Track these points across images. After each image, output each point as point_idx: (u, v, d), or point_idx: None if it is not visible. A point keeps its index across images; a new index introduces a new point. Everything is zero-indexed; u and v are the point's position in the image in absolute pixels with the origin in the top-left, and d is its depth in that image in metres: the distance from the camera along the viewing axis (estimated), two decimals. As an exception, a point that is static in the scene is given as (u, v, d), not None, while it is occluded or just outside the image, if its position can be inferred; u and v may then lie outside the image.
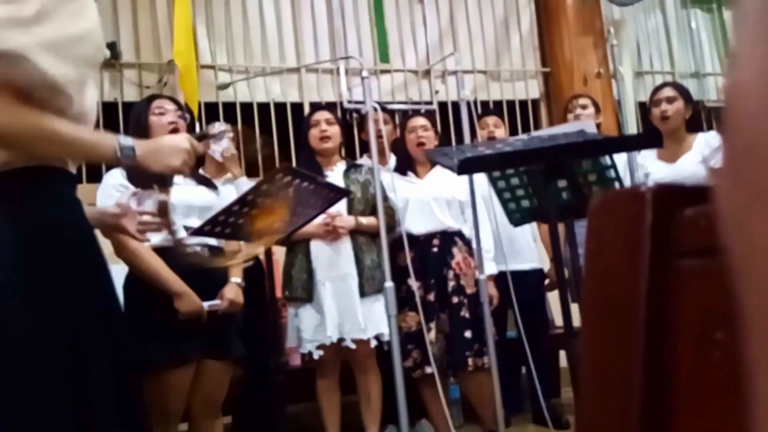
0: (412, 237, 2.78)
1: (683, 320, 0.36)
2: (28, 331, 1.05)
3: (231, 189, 2.69)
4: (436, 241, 2.79)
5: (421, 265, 2.74)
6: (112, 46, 3.71)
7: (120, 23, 3.84)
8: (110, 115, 3.66)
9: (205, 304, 2.08)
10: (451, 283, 2.74)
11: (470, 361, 2.63)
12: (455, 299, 2.72)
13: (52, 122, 1.06)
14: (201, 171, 2.90)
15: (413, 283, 2.69)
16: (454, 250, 2.79)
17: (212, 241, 2.20)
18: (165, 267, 2.04)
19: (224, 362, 2.17)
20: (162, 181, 1.33)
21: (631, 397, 0.35)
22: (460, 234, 2.81)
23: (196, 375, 2.07)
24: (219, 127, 2.49)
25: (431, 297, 2.72)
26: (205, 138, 1.39)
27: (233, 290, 2.17)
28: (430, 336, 2.66)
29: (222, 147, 2.85)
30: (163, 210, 1.40)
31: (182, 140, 1.28)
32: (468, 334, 2.64)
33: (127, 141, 1.16)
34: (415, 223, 2.80)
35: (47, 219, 1.12)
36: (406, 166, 2.94)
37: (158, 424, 2.04)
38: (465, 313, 2.68)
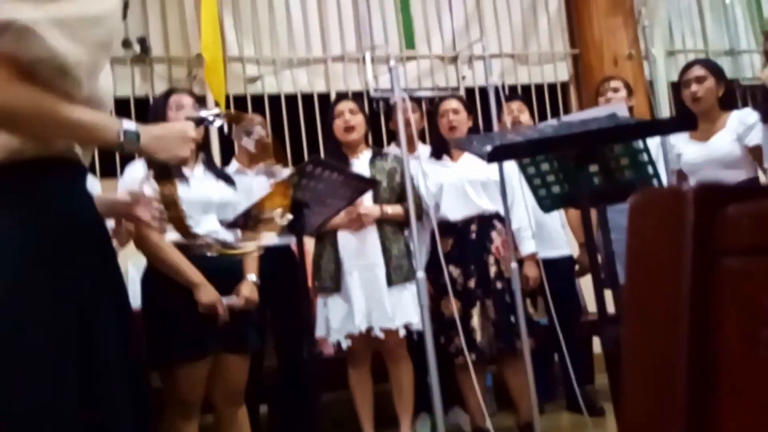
0: (449, 224, 2.78)
1: (728, 319, 0.35)
2: (36, 326, 1.03)
3: (263, 179, 2.72)
4: (473, 227, 2.77)
5: (460, 252, 2.74)
6: (142, 42, 3.76)
7: (149, 18, 3.89)
8: (142, 112, 3.72)
9: (223, 300, 2.11)
10: (493, 269, 2.73)
11: (517, 345, 2.61)
12: (498, 285, 2.71)
13: (53, 102, 1.01)
14: (234, 161, 2.94)
15: (453, 270, 2.68)
16: (493, 234, 2.77)
17: (224, 235, 2.23)
18: (185, 260, 2.07)
19: (242, 356, 2.19)
20: (167, 171, 1.29)
21: (676, 398, 0.35)
22: (498, 216, 2.78)
23: (214, 368, 2.10)
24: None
25: (472, 284, 2.71)
26: (202, 123, 1.34)
27: (249, 287, 2.20)
28: (473, 322, 2.66)
29: (257, 136, 2.87)
30: (171, 202, 1.33)
31: (189, 128, 1.22)
32: (513, 319, 2.62)
33: (131, 126, 1.11)
34: (451, 208, 2.79)
35: (55, 212, 1.09)
36: (439, 149, 2.93)
37: (178, 414, 2.08)
38: (508, 298, 2.67)
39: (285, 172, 1.78)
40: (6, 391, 1.01)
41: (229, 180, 2.31)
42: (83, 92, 1.05)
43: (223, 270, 2.13)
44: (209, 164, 2.30)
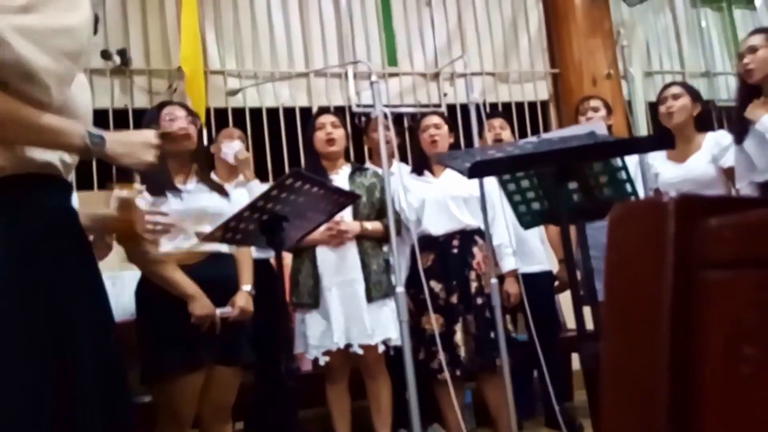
0: (431, 238, 2.77)
1: (709, 333, 0.35)
2: (10, 339, 1.03)
3: (243, 192, 2.70)
4: (455, 242, 2.77)
5: (442, 267, 2.73)
6: (122, 53, 3.74)
7: (130, 30, 3.87)
8: (120, 122, 3.68)
9: (217, 312, 2.09)
10: (474, 284, 2.72)
11: (497, 362, 2.60)
12: (479, 300, 2.70)
13: (21, 107, 1.04)
14: (213, 175, 2.92)
15: (435, 285, 2.67)
16: (474, 249, 2.77)
17: (224, 248, 2.20)
18: (179, 271, 2.06)
19: (234, 368, 2.18)
20: (128, 176, 1.33)
21: (656, 413, 0.34)
22: (479, 232, 2.79)
23: (206, 380, 2.08)
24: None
25: (454, 299, 2.71)
26: (167, 138, 1.39)
27: (244, 298, 2.19)
28: (456, 338, 2.65)
29: (234, 149, 2.86)
30: (126, 205, 1.38)
31: (151, 135, 1.27)
32: (493, 335, 2.62)
33: (96, 130, 1.15)
34: (433, 223, 2.79)
35: (34, 225, 1.10)
36: (421, 165, 2.93)
37: (169, 428, 2.05)
38: (489, 313, 2.66)
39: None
40: None
41: (222, 191, 2.30)
42: (53, 101, 1.07)
43: (218, 281, 2.12)
44: (203, 176, 2.29)
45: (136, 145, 1.22)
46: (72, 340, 1.10)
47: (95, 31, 1.20)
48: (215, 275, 2.14)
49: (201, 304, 2.04)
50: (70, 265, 1.15)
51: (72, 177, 1.26)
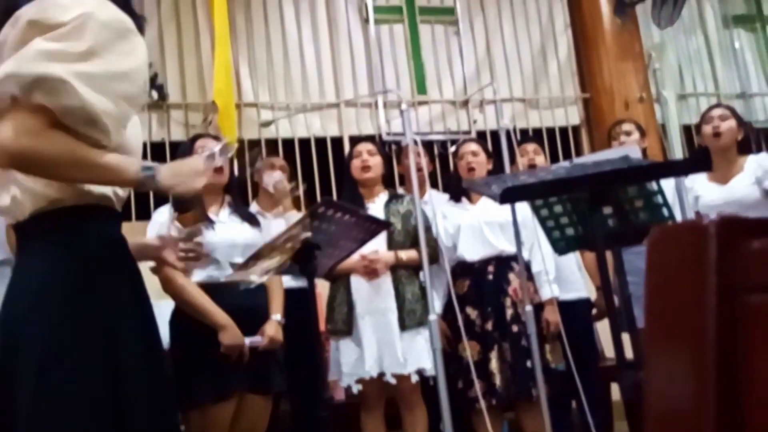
0: (466, 264, 2.75)
1: (756, 360, 0.34)
2: (77, 368, 1.08)
3: (281, 222, 2.73)
4: (491, 268, 2.74)
5: (477, 293, 2.71)
6: (160, 88, 3.86)
7: (167, 66, 4.00)
8: (158, 155, 3.78)
9: (247, 340, 2.10)
10: (509, 311, 2.68)
11: (533, 392, 2.55)
12: (515, 328, 2.66)
13: (81, 147, 1.10)
14: (255, 204, 2.98)
15: (471, 312, 2.64)
16: (510, 276, 2.73)
17: (254, 277, 2.22)
18: (210, 301, 2.10)
19: (265, 397, 2.18)
20: (188, 205, 1.36)
21: (704, 444, 0.33)
22: (516, 258, 2.75)
23: (237, 409, 2.09)
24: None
25: (489, 326, 2.67)
26: (213, 158, 1.42)
27: (273, 327, 2.20)
28: (491, 366, 2.60)
29: (274, 179, 2.90)
30: (193, 235, 1.44)
31: (199, 162, 1.31)
32: (530, 364, 2.56)
33: (148, 163, 1.20)
34: (468, 249, 2.77)
35: (90, 255, 1.15)
36: (458, 192, 2.93)
37: None
38: (525, 342, 2.61)
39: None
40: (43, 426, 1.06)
41: (254, 221, 2.33)
42: (112, 141, 1.14)
43: (249, 310, 2.14)
44: (235, 207, 2.33)
45: (187, 174, 1.26)
46: (125, 363, 1.14)
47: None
48: (246, 304, 2.16)
49: (230, 334, 2.06)
50: (124, 292, 1.19)
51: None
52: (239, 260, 2.14)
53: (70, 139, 1.09)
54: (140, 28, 1.19)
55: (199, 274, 2.12)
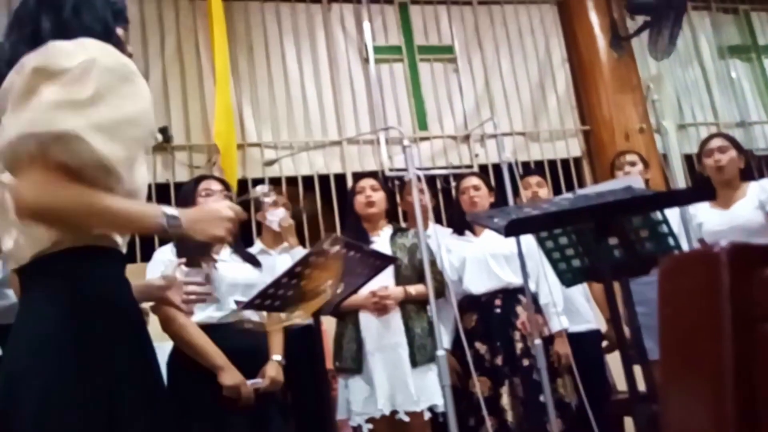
0: (473, 298, 2.73)
1: (776, 389, 0.33)
2: (67, 404, 1.06)
3: (287, 258, 2.73)
4: (498, 302, 2.72)
5: (485, 328, 2.68)
6: (164, 131, 3.91)
7: (171, 108, 4.05)
8: (162, 196, 3.80)
9: (248, 383, 2.08)
10: (519, 345, 2.64)
11: (548, 427, 2.49)
12: (525, 362, 2.62)
13: (100, 198, 1.10)
14: (258, 242, 2.98)
15: (480, 347, 2.61)
16: (518, 309, 2.71)
17: (254, 316, 2.21)
18: (210, 342, 2.08)
19: None
20: (205, 250, 1.35)
21: (728, 477, 0.32)
22: (523, 290, 2.73)
23: None
24: (260, 190, 2.55)
25: (499, 361, 2.63)
26: (246, 202, 1.42)
27: (274, 368, 2.18)
28: (502, 402, 2.56)
29: (278, 216, 2.92)
30: (206, 277, 1.44)
31: (224, 208, 1.29)
32: (542, 398, 2.52)
33: (172, 211, 1.19)
34: (474, 282, 2.75)
35: (92, 296, 1.14)
36: (461, 226, 2.93)
37: None
38: (536, 376, 2.57)
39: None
40: None
41: (255, 262, 2.33)
42: (124, 187, 1.14)
43: (248, 352, 2.12)
44: (236, 246, 2.33)
45: (207, 220, 1.25)
46: (125, 407, 1.11)
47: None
48: (246, 345, 2.14)
49: (230, 375, 2.04)
50: (126, 334, 1.17)
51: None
52: (241, 299, 2.14)
53: (88, 191, 1.09)
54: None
55: (199, 314, 2.11)
